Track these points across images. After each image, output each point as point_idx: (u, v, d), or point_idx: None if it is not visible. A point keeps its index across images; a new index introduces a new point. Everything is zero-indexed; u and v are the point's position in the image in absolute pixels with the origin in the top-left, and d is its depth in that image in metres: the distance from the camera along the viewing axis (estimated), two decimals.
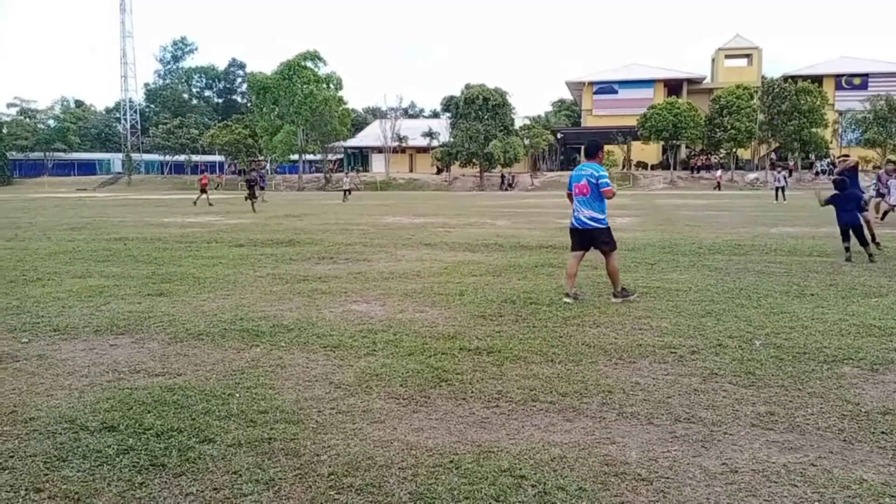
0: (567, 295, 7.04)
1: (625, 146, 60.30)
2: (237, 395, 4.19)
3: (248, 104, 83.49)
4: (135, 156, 78.98)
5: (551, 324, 5.98)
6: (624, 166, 61.14)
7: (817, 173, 56.07)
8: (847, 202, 10.02)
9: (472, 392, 4.23)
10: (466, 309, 6.66)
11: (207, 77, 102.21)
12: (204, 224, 18.34)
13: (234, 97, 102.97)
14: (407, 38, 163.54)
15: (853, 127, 55.49)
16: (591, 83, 67.64)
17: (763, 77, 60.31)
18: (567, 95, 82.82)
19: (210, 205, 28.30)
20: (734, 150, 56.10)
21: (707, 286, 7.79)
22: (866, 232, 10.22)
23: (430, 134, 65.73)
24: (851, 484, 2.97)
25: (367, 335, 5.64)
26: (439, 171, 64.76)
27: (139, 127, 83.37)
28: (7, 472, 3.17)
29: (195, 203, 29.29)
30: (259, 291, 7.75)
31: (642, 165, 63.60)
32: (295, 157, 67.37)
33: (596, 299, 7.09)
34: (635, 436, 3.56)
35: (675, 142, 58.46)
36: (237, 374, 4.61)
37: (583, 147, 8.19)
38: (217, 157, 76.68)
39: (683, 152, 63.55)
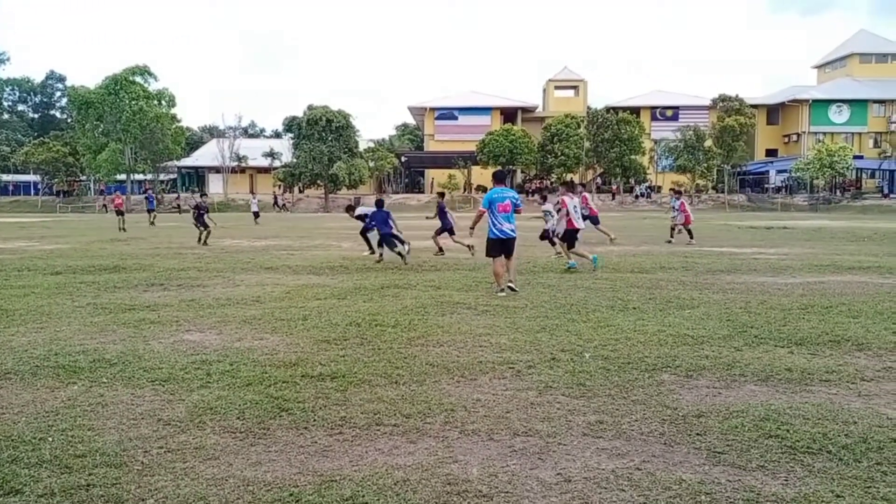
0: (502, 290, 8.88)
1: (465, 170, 62.36)
2: (50, 438, 3.78)
3: (69, 120, 76.86)
4: None
5: (396, 345, 5.99)
6: (465, 189, 63.16)
7: (637, 196, 61.26)
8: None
9: (315, 420, 4.11)
10: (309, 334, 6.50)
11: (21, 90, 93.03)
12: (14, 250, 16.53)
13: (53, 112, 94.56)
14: (247, 55, 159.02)
15: (667, 154, 61.38)
16: (433, 109, 69.45)
17: (588, 107, 65.07)
18: (410, 120, 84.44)
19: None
20: (564, 174, 59.91)
21: (541, 302, 8.19)
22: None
23: (271, 154, 64.10)
24: (672, 485, 3.21)
25: (200, 366, 5.32)
26: (285, 192, 63.22)
27: None
28: None
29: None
30: (78, 323, 7.08)
31: (482, 189, 66.03)
32: (122, 176, 62.83)
33: (440, 318, 7.21)
34: (476, 452, 3.63)
35: (511, 166, 61.39)
36: (51, 416, 4.16)
37: (493, 174, 10.04)
38: (32, 177, 69.67)
39: (519, 176, 66.86)
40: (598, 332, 6.49)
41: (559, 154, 57.66)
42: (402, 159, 67.93)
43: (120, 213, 29.17)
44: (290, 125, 61.36)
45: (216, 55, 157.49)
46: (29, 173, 68.32)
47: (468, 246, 13.52)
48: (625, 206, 58.75)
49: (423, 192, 67.82)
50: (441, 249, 14.62)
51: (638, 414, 4.22)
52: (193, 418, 4.14)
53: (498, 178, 9.59)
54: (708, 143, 58.67)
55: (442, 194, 15.91)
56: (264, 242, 19.38)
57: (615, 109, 62.08)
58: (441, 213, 14.74)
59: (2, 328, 6.81)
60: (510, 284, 8.95)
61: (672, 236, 18.82)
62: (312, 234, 23.89)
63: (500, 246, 9.00)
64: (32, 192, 70.55)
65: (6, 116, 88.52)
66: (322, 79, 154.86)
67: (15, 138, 74.44)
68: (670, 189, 22.94)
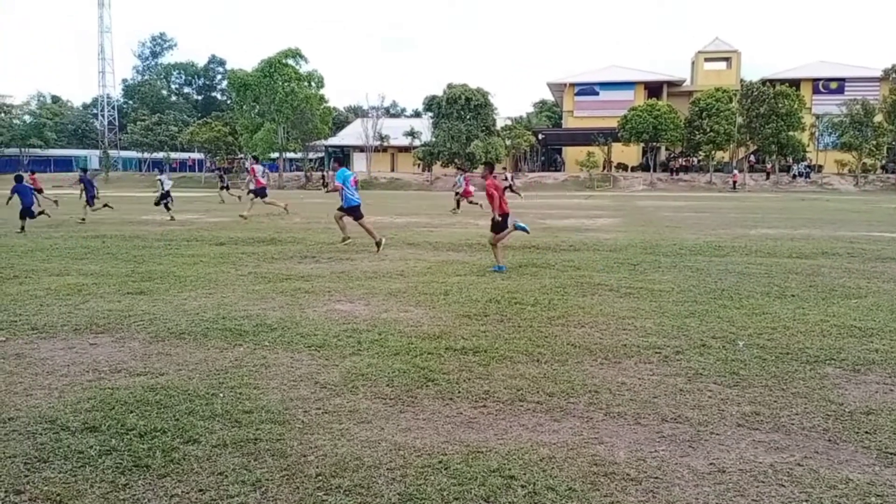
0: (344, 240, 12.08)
1: (605, 147, 60.64)
2: (221, 394, 4.13)
3: (229, 101, 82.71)
4: (112, 152, 77.98)
5: (536, 324, 5.99)
6: (604, 167, 61.46)
7: (794, 176, 56.79)
8: None
9: (459, 392, 4.21)
10: (451, 308, 6.64)
11: (187, 74, 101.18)
12: (184, 222, 18.13)
13: (214, 94, 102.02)
14: (389, 36, 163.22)
15: (830, 131, 56.29)
16: (573, 84, 67.94)
17: (742, 80, 60.89)
18: (549, 96, 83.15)
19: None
20: (713, 152, 56.65)
21: (689, 287, 7.84)
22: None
23: (411, 133, 65.59)
24: (838, 484, 3.00)
25: (351, 335, 5.60)
26: (424, 170, 64.63)
27: (117, 123, 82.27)
28: None
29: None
30: (241, 290, 7.67)
31: (622, 167, 64.00)
32: (275, 154, 66.93)
33: (580, 299, 7.10)
34: (623, 436, 3.56)
35: (655, 144, 58.89)
36: (221, 374, 4.55)
37: (335, 158, 13.49)
38: (196, 155, 75.93)
39: (663, 154, 64.06)
40: (752, 320, 6.13)
41: (708, 130, 54.47)
42: (540, 137, 67.17)
43: (38, 190, 29.45)
44: (430, 104, 62.33)
45: (360, 36, 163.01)
46: (193, 151, 74.46)
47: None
48: (780, 186, 54.75)
49: (559, 171, 66.82)
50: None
51: (798, 407, 3.96)
52: (347, 383, 4.37)
53: (341, 162, 13.97)
54: (878, 118, 53.01)
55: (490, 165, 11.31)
56: (405, 219, 19.96)
57: (772, 82, 57.62)
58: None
59: (176, 293, 7.52)
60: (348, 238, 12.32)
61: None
62: (450, 211, 24.27)
63: (356, 210, 12.15)
64: (197, 168, 76.86)
65: (174, 98, 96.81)
66: (462, 56, 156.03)
67: (181, 118, 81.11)
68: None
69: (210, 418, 3.75)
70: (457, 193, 24.71)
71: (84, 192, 19.19)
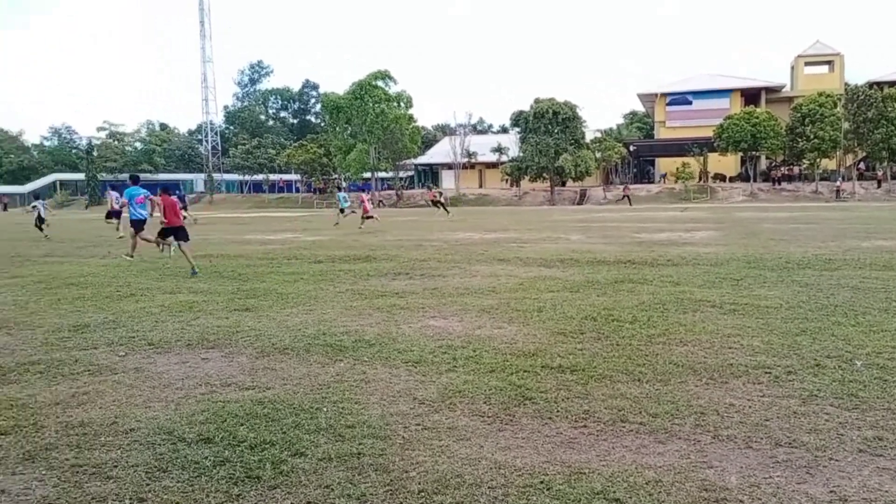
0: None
1: (700, 158, 58.67)
2: (325, 409, 4.25)
3: (322, 124, 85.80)
4: (216, 176, 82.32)
5: (635, 342, 5.84)
6: (700, 178, 59.47)
7: None
8: None
9: (558, 411, 4.16)
10: (545, 326, 6.58)
11: (283, 98, 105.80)
12: (283, 241, 18.87)
13: (309, 117, 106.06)
14: (475, 54, 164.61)
15: None
16: (664, 94, 66.34)
17: (846, 84, 57.63)
18: (639, 107, 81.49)
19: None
20: (818, 160, 53.71)
21: (799, 303, 7.44)
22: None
23: (499, 149, 65.81)
24: None
25: (446, 351, 5.64)
26: (512, 186, 64.58)
27: (220, 148, 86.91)
28: (112, 481, 3.31)
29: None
30: (340, 307, 7.89)
31: (720, 177, 61.73)
32: (367, 174, 68.70)
33: (681, 316, 6.88)
34: (733, 460, 3.41)
35: (754, 153, 56.48)
36: (323, 389, 4.69)
37: (130, 177, 16.34)
38: (293, 176, 78.96)
39: (763, 163, 61.33)
40: (869, 338, 5.74)
41: (811, 137, 51.79)
42: (631, 148, 65.83)
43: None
44: (517, 119, 62.42)
45: (449, 54, 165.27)
46: (290, 173, 77.51)
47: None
48: (893, 195, 51.23)
49: (652, 182, 65.16)
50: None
51: None
52: (444, 399, 4.41)
53: (134, 181, 15.89)
54: None
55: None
56: (494, 235, 19.98)
57: (879, 85, 54.18)
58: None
59: (279, 309, 7.82)
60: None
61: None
62: (540, 227, 24.13)
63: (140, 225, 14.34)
64: (294, 189, 79.91)
65: (271, 123, 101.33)
66: (549, 70, 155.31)
67: (279, 142, 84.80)
68: None
69: (315, 432, 3.86)
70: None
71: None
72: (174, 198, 13.28)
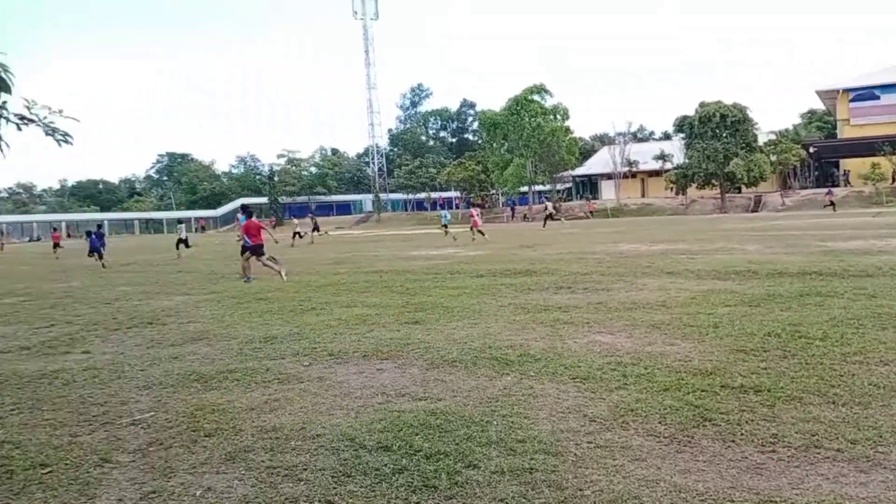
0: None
1: (893, 157, 52.60)
2: (495, 422, 4.30)
3: (479, 141, 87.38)
4: (382, 195, 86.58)
5: (828, 360, 5.34)
6: (894, 180, 53.31)
7: None
8: None
9: (742, 434, 3.90)
10: (723, 342, 6.21)
11: (442, 118, 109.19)
12: (446, 256, 19.40)
13: (467, 135, 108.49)
14: (634, 61, 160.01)
15: None
16: (846, 90, 60.42)
17: None
18: (817, 105, 74.80)
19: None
20: None
21: None
22: None
23: (662, 156, 63.26)
24: None
25: (615, 367, 5.50)
26: (678, 194, 61.75)
27: (385, 169, 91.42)
28: (303, 483, 3.57)
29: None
30: (503, 320, 7.96)
31: None
32: (524, 188, 68.88)
33: (880, 332, 6.20)
34: None
35: None
36: (492, 402, 4.74)
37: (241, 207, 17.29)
38: (453, 193, 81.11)
39: None
40: None
41: None
42: (811, 150, 60.52)
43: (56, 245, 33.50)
44: (682, 125, 59.64)
45: (606, 61, 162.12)
46: (450, 190, 79.68)
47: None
48: None
49: (836, 185, 59.41)
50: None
51: None
52: (616, 417, 4.29)
53: (244, 210, 15.98)
54: None
55: None
56: (661, 246, 19.18)
57: None
58: None
59: (445, 322, 8.03)
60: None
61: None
62: (711, 237, 22.81)
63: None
64: (454, 206, 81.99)
65: (431, 143, 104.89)
66: (713, 73, 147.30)
67: (439, 161, 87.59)
68: None
69: (486, 445, 3.92)
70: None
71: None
72: (257, 220, 15.81)
